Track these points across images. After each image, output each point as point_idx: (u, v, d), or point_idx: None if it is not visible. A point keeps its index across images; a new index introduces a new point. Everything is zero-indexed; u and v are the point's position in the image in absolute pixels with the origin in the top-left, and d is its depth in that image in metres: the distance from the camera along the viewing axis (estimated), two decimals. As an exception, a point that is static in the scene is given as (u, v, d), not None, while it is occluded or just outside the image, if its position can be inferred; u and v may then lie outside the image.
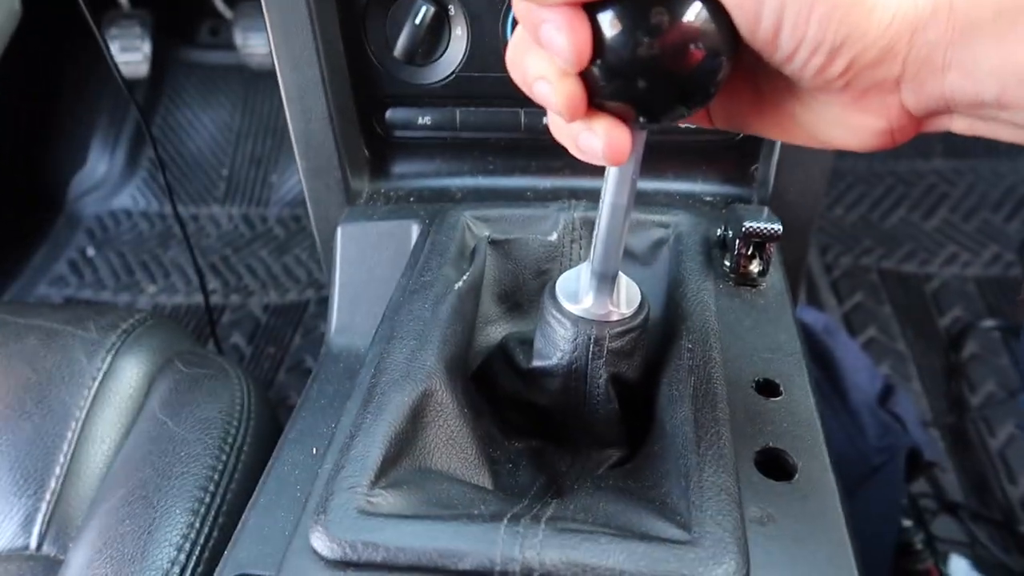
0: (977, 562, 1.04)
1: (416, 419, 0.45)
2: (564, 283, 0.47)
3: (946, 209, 1.67)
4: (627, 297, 0.46)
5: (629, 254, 0.61)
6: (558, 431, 0.51)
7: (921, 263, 1.56)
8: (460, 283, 0.55)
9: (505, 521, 0.39)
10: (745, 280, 0.58)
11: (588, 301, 0.45)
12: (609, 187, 0.40)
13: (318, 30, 0.65)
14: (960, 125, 0.33)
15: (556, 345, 0.46)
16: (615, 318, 0.45)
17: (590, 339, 0.45)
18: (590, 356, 0.45)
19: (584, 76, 0.33)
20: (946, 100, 0.32)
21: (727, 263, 0.58)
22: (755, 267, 0.58)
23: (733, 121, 0.40)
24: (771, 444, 0.45)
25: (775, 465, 0.44)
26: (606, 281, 0.44)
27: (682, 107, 0.34)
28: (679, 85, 0.33)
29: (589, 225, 0.61)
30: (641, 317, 0.46)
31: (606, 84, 0.33)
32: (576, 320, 0.45)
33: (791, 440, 0.45)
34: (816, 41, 0.31)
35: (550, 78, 0.33)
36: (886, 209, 1.68)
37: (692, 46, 0.31)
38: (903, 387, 1.28)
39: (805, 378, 0.49)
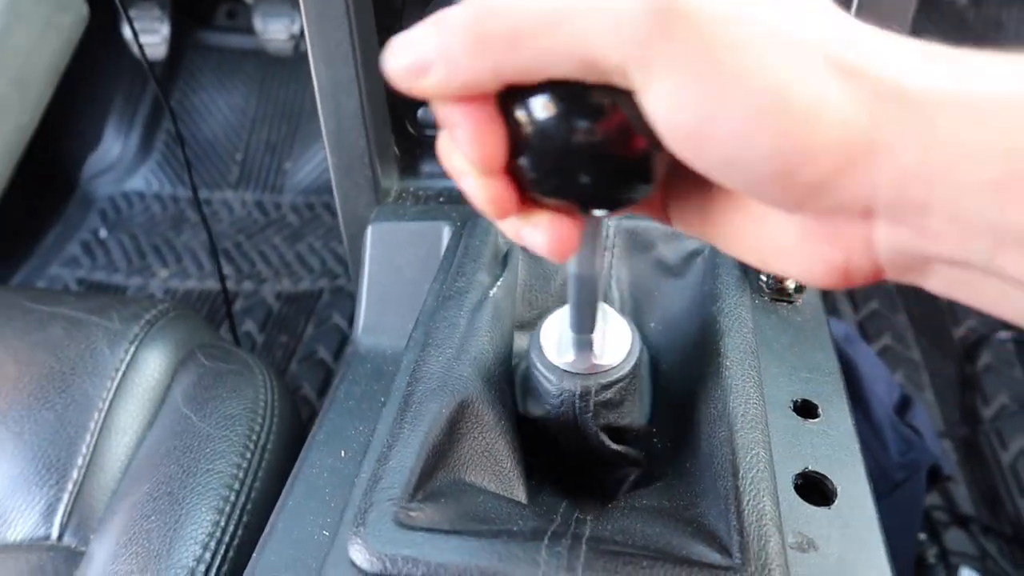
0: (988, 576, 1.05)
1: (452, 431, 0.45)
2: (549, 329, 0.46)
3: (963, 218, 1.66)
4: (615, 344, 0.45)
5: (662, 265, 0.61)
6: (570, 459, 0.51)
7: (937, 272, 1.55)
8: (495, 289, 0.54)
9: (546, 540, 0.38)
10: (781, 295, 0.57)
11: (570, 355, 0.44)
12: (573, 259, 0.38)
13: (355, 26, 0.64)
14: (935, 285, 0.26)
15: (543, 397, 0.46)
16: (601, 370, 0.44)
17: (575, 394, 0.44)
18: (577, 411, 0.45)
19: (512, 171, 0.29)
20: (923, 252, 0.24)
21: (763, 278, 0.58)
22: (791, 282, 0.57)
23: (685, 224, 0.34)
24: (810, 468, 0.44)
25: (814, 489, 0.44)
26: (584, 340, 0.43)
27: (631, 195, 0.30)
28: (624, 172, 0.28)
29: (623, 233, 0.61)
30: (630, 366, 0.45)
31: (538, 179, 0.29)
32: (561, 374, 0.44)
33: (830, 464, 0.45)
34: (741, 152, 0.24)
35: (473, 176, 0.29)
36: (903, 216, 1.67)
37: (634, 127, 0.27)
38: (917, 396, 1.27)
39: (843, 399, 0.49)
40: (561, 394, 0.45)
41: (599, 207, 0.31)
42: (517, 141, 0.28)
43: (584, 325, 0.42)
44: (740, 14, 0.23)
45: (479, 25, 0.26)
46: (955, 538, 1.11)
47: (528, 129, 0.28)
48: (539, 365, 0.45)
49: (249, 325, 1.47)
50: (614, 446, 0.47)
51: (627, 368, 0.45)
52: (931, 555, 0.98)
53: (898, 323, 1.45)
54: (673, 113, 0.24)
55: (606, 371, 0.44)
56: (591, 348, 0.44)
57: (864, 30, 0.25)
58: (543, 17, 0.25)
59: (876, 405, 0.82)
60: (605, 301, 0.61)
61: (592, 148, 0.27)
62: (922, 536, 1.01)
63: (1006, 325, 1.44)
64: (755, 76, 0.23)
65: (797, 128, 0.23)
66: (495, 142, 0.28)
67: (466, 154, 0.28)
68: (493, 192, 0.29)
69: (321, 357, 1.40)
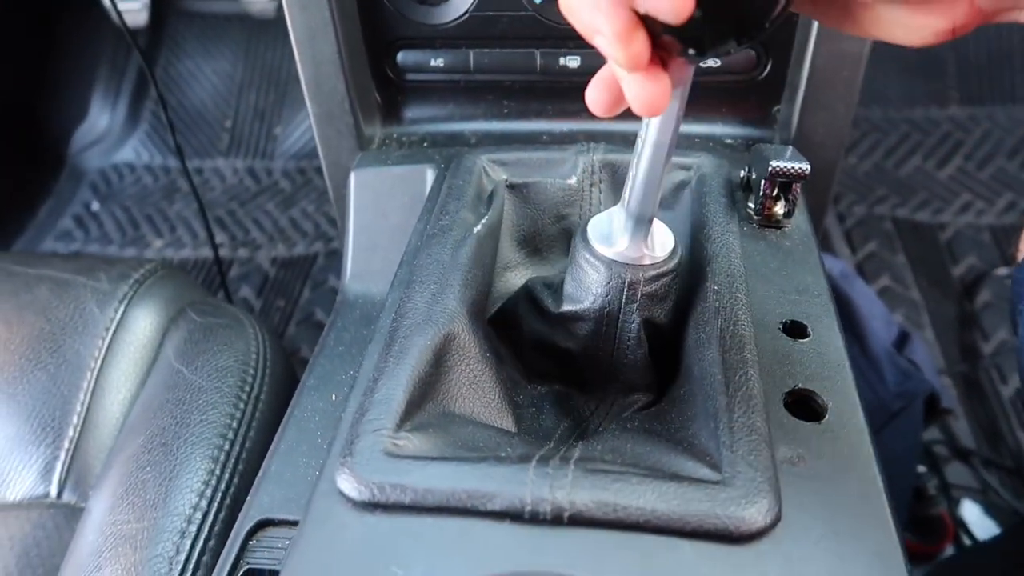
0: (989, 508, 1.05)
1: (439, 363, 0.44)
2: (596, 225, 0.46)
3: (961, 157, 1.64)
4: (661, 240, 0.45)
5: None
6: (583, 376, 0.50)
7: (935, 212, 1.54)
8: (479, 227, 0.54)
9: (534, 462, 0.38)
10: (770, 222, 0.56)
11: (622, 244, 0.44)
12: (653, 124, 0.39)
13: None
14: None
15: (588, 289, 0.45)
16: (649, 261, 0.44)
17: (624, 283, 0.44)
18: (624, 300, 0.45)
19: (648, 21, 0.31)
20: None
21: (751, 205, 0.57)
22: (780, 208, 0.56)
23: (798, 5, 0.36)
24: (800, 385, 0.44)
25: (805, 406, 0.43)
26: (643, 224, 0.43)
27: (733, 41, 0.32)
28: (738, 14, 0.31)
29: (609, 168, 0.60)
30: (675, 261, 0.45)
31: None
32: (610, 263, 0.44)
33: (820, 381, 0.44)
34: None
35: (610, 32, 0.31)
36: (900, 157, 1.65)
37: None
38: (916, 335, 1.27)
39: (833, 319, 0.49)
40: (609, 282, 0.44)
41: (707, 43, 0.32)
42: None
43: (648, 203, 0.42)
44: None
45: None
46: (956, 471, 1.12)
47: None
48: (587, 255, 0.45)
49: (246, 291, 1.47)
50: (644, 343, 0.47)
51: (674, 262, 0.45)
52: (931, 487, 0.99)
53: (896, 263, 1.45)
54: None
55: (655, 263, 0.44)
56: (646, 236, 0.44)
57: None
58: None
59: (872, 339, 0.82)
60: None
61: None
62: (922, 469, 1.02)
63: (1005, 261, 1.43)
64: None
65: None
66: None
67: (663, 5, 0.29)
68: (633, 46, 0.31)
69: (319, 319, 1.39)
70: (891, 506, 0.39)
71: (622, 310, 0.45)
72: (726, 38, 0.32)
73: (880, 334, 0.88)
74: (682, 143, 0.70)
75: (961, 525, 1.03)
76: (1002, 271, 1.40)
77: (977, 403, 1.23)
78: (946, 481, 1.08)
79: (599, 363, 0.48)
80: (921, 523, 1.00)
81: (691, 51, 0.32)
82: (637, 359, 0.47)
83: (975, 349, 1.30)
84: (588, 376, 0.50)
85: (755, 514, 0.36)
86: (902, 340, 0.96)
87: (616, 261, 0.44)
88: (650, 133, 0.39)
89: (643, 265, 0.44)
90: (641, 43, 0.31)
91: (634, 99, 0.34)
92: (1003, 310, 1.35)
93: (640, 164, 0.41)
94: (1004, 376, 1.26)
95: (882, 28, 0.33)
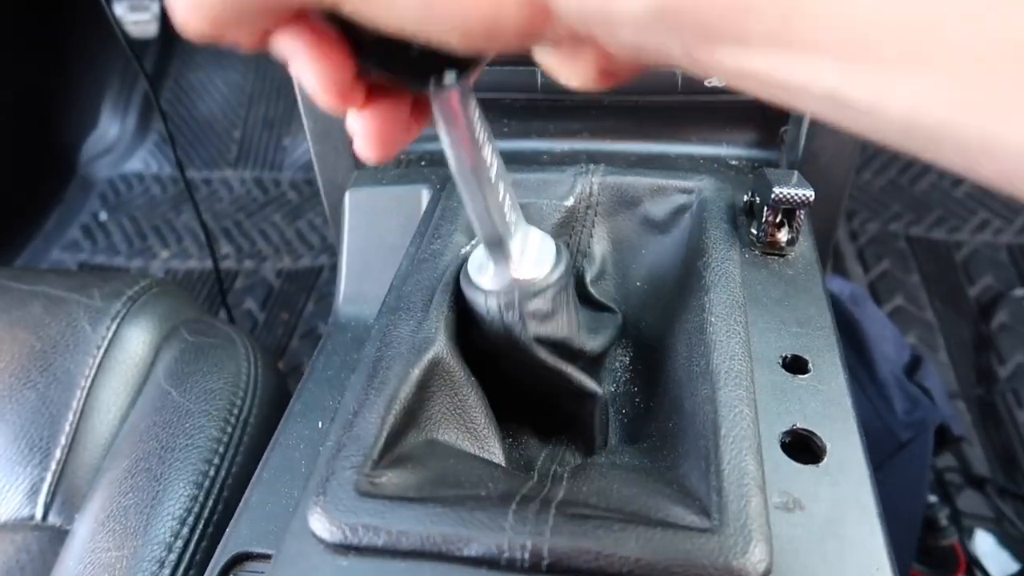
0: (1003, 539, 1.02)
1: (422, 390, 0.43)
2: (476, 256, 0.44)
3: (978, 174, 1.61)
4: (538, 256, 0.43)
5: (649, 221, 0.58)
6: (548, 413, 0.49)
7: (951, 230, 1.51)
8: (468, 247, 0.52)
9: (514, 505, 0.36)
10: (772, 249, 0.55)
11: (491, 272, 0.42)
12: (447, 152, 0.36)
13: None
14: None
15: (481, 323, 0.44)
16: (524, 279, 0.42)
17: (500, 307, 0.42)
18: (507, 326, 0.43)
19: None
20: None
21: (754, 231, 0.55)
22: (783, 235, 0.54)
23: None
24: (798, 425, 0.42)
25: (803, 447, 0.42)
26: (496, 249, 0.41)
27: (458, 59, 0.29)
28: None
29: (608, 190, 0.58)
30: (557, 274, 0.43)
31: (374, 62, 0.27)
32: (485, 294, 0.42)
33: (820, 420, 0.42)
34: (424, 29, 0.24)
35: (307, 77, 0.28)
36: (915, 174, 1.63)
37: None
38: (930, 358, 1.24)
39: (836, 354, 0.47)
40: (488, 312, 0.43)
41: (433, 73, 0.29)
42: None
43: (486, 229, 0.40)
44: None
45: None
46: (969, 500, 1.09)
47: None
48: (467, 291, 0.43)
49: (250, 303, 1.46)
50: (551, 360, 0.45)
51: (556, 275, 0.43)
52: (943, 517, 0.96)
53: (910, 283, 1.42)
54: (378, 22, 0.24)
55: (529, 282, 0.42)
56: (507, 258, 0.41)
57: None
58: None
59: (882, 365, 0.79)
60: (585, 258, 0.59)
61: None
62: (933, 498, 0.99)
63: (1022, 282, 1.40)
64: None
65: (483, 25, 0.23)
66: (341, 63, 0.26)
67: (309, 86, 0.27)
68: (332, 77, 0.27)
69: (322, 333, 1.38)
70: (891, 555, 0.37)
71: (511, 335, 0.43)
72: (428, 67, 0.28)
73: (890, 359, 0.86)
74: (684, 165, 0.68)
75: (973, 558, 1.00)
76: (1019, 292, 1.37)
77: (992, 428, 1.20)
78: (958, 510, 1.05)
79: (533, 387, 0.46)
80: (932, 555, 0.97)
81: (420, 86, 0.29)
82: (553, 375, 0.45)
83: (991, 372, 1.27)
84: (537, 396, 0.48)
85: (744, 564, 0.34)
86: (914, 365, 0.93)
87: (491, 290, 0.42)
88: (448, 161, 0.36)
89: (519, 280, 0.42)
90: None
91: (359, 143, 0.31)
92: (1020, 332, 1.32)
93: (460, 192, 0.38)
94: (1021, 401, 1.23)
95: (548, 68, 0.30)
